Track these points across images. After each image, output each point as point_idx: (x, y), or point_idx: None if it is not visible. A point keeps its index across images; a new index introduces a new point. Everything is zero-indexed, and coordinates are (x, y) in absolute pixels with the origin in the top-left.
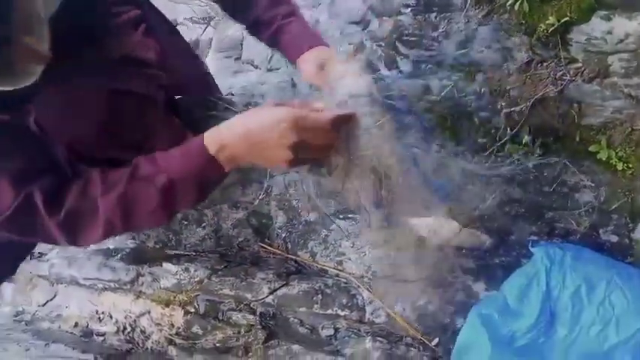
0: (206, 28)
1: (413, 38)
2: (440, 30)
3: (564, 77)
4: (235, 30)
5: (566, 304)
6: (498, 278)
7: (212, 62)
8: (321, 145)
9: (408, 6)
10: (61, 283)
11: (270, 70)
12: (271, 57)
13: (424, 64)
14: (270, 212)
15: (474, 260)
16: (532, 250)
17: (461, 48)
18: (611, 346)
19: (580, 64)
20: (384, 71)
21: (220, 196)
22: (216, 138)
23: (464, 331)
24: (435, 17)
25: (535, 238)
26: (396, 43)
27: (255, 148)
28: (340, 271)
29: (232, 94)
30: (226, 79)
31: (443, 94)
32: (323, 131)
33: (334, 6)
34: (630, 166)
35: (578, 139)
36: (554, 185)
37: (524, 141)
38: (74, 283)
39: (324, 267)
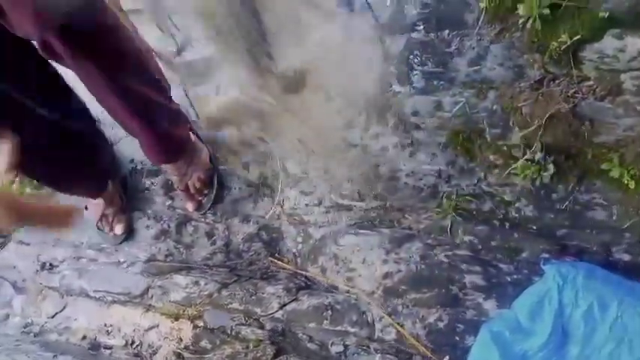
0: None
1: (425, 55)
2: (452, 47)
3: (576, 95)
4: None
5: (578, 322)
6: (509, 296)
7: None
8: None
9: (420, 23)
10: (71, 295)
11: None
12: None
13: (436, 80)
14: (281, 227)
15: (485, 278)
16: (544, 267)
17: (473, 65)
18: None
19: (592, 82)
20: (397, 87)
21: (232, 210)
22: None
23: (475, 349)
24: (448, 35)
25: (547, 255)
26: (409, 59)
27: None
28: (350, 287)
29: None
30: None
31: (455, 110)
32: None
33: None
34: None
35: (590, 156)
36: (567, 203)
37: (536, 158)
38: (84, 295)
39: (334, 283)
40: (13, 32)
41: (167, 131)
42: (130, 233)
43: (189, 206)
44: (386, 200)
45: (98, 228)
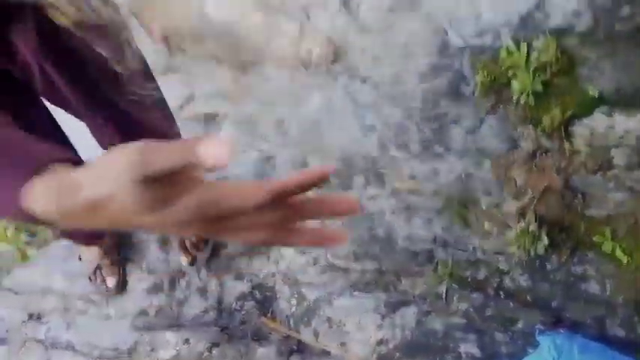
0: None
1: (422, 123)
2: (449, 117)
3: (568, 168)
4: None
5: None
6: None
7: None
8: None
9: (418, 93)
10: (56, 348)
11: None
12: None
13: (433, 147)
14: (276, 286)
15: (480, 347)
16: (539, 338)
17: (469, 135)
18: None
19: (583, 156)
20: (395, 152)
21: (226, 267)
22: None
23: None
24: (445, 105)
25: (542, 327)
26: (407, 126)
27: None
28: (344, 352)
29: None
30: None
31: (450, 177)
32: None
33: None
34: (634, 258)
35: (583, 229)
36: (561, 274)
37: (531, 229)
38: (70, 349)
39: (327, 348)
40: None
41: None
42: (122, 286)
43: (184, 260)
44: (382, 263)
45: (90, 279)
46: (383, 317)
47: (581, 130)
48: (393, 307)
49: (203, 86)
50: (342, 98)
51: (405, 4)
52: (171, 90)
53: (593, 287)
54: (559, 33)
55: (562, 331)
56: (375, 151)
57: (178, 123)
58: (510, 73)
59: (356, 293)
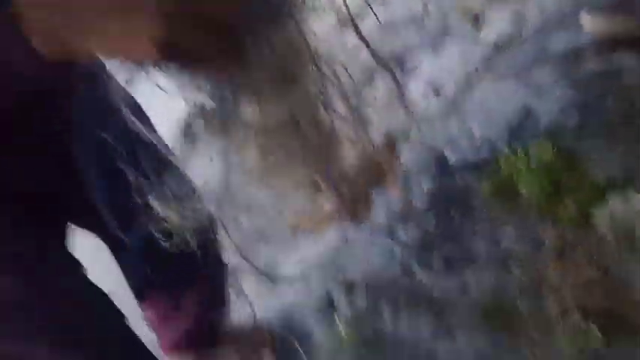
0: None
1: (440, 239)
2: (466, 228)
3: (600, 256)
4: None
5: None
6: None
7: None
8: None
9: (430, 210)
10: None
11: None
12: None
13: (457, 261)
14: None
15: None
16: None
17: (490, 243)
18: None
19: (611, 242)
20: (418, 271)
21: None
22: None
23: None
24: (459, 216)
25: None
26: (425, 245)
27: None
28: None
29: None
30: None
31: (483, 288)
32: None
33: None
34: None
35: (637, 319)
36: None
37: (581, 326)
38: None
39: None
40: None
41: None
42: None
43: None
44: None
45: None
46: None
47: (600, 218)
48: None
49: None
50: (356, 227)
51: (399, 134)
52: None
53: None
54: (552, 133)
55: None
56: (399, 272)
57: None
58: (515, 177)
59: None
